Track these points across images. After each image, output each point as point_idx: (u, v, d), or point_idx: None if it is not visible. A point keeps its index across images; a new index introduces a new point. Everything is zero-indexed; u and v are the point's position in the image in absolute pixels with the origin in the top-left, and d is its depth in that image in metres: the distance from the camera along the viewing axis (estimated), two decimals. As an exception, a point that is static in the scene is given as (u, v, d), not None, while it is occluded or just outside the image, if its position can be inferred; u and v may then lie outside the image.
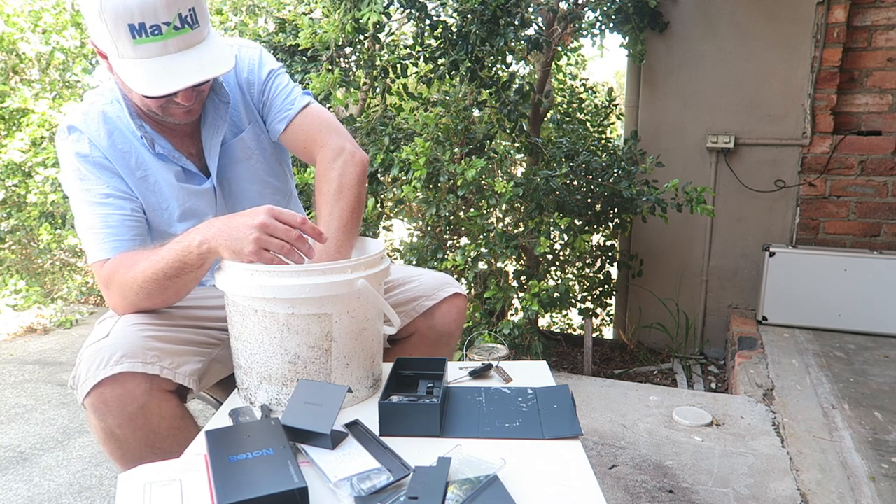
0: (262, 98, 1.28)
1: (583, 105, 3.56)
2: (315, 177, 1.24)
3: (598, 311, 3.18)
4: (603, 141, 3.46)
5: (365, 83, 2.75)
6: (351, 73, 2.72)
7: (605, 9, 2.91)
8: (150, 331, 1.04)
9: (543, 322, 3.96)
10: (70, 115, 1.17)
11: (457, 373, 1.18)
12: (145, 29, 0.97)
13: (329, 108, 2.82)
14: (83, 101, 1.19)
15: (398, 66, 2.63)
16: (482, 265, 2.44)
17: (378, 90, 2.69)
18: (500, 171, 2.70)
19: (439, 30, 2.54)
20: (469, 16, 2.44)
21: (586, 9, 2.88)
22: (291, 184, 1.43)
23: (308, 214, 2.25)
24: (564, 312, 3.81)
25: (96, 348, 0.99)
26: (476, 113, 2.80)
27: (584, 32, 3.04)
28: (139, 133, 1.16)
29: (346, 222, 1.17)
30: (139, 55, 0.99)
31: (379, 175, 2.61)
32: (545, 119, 3.07)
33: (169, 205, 1.21)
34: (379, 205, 2.84)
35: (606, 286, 3.13)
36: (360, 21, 2.44)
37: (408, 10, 2.54)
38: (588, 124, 3.49)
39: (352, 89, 2.61)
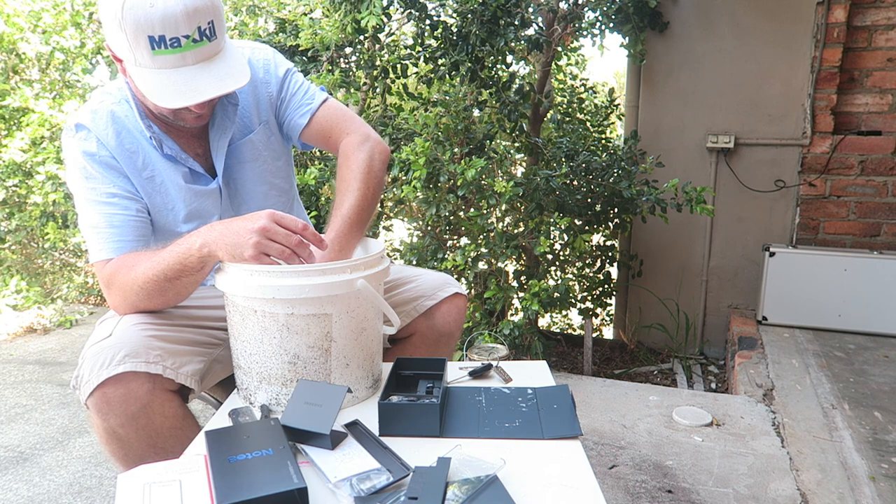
0: (280, 96, 1.28)
1: (583, 105, 3.56)
2: (339, 158, 1.26)
3: (598, 311, 3.18)
4: (603, 141, 3.46)
5: (365, 83, 2.75)
6: (351, 73, 2.72)
7: (605, 9, 2.91)
8: (153, 330, 1.04)
9: (543, 322, 3.96)
10: (78, 113, 1.16)
11: (457, 373, 1.18)
12: (165, 41, 0.98)
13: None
14: (91, 100, 1.18)
15: (398, 66, 2.63)
16: (482, 265, 2.44)
17: (378, 90, 2.69)
18: (500, 171, 2.70)
19: (439, 30, 2.54)
20: (469, 16, 2.44)
21: (586, 9, 2.88)
22: (295, 186, 1.44)
23: (310, 214, 2.25)
24: (564, 312, 3.81)
25: (99, 348, 0.99)
26: (476, 113, 2.80)
27: (584, 32, 3.04)
28: (148, 133, 1.16)
29: (370, 200, 1.20)
30: (157, 65, 1.00)
31: (379, 175, 2.60)
32: (545, 119, 3.07)
33: (175, 205, 1.21)
34: (379, 205, 2.83)
35: (606, 286, 3.13)
36: (360, 22, 2.44)
37: (408, 11, 2.54)
38: (588, 124, 3.49)
39: (352, 89, 2.61)
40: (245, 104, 1.25)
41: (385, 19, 2.47)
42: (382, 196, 2.82)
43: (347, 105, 2.63)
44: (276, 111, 1.30)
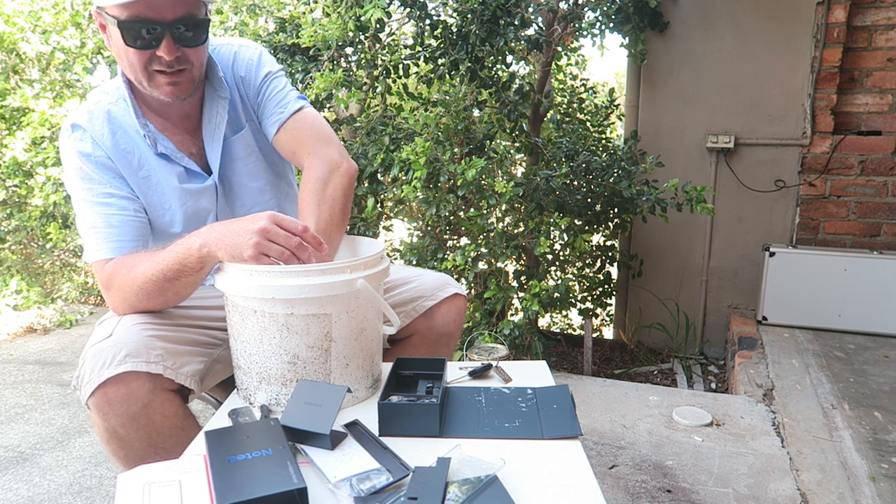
0: (257, 99, 1.28)
1: (583, 105, 3.56)
2: (300, 184, 1.22)
3: (598, 311, 3.18)
4: (603, 141, 3.46)
5: (365, 83, 2.75)
6: (352, 72, 2.72)
7: (605, 9, 2.91)
8: (153, 330, 1.04)
9: (543, 322, 3.96)
10: (75, 113, 1.16)
11: (456, 373, 1.18)
12: None
13: (331, 107, 2.82)
14: (88, 100, 1.18)
15: (399, 66, 2.63)
16: (482, 265, 2.44)
17: (378, 90, 2.69)
18: (500, 171, 2.70)
19: (439, 30, 2.54)
20: (469, 16, 2.44)
21: (586, 9, 2.88)
22: (293, 182, 1.43)
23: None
24: (564, 312, 3.81)
25: (100, 348, 0.99)
26: (476, 113, 2.80)
27: (584, 32, 3.04)
28: (143, 132, 1.16)
29: (323, 232, 1.13)
30: None
31: (379, 175, 2.61)
32: (545, 119, 3.07)
33: (171, 205, 1.21)
34: (379, 205, 2.83)
35: (606, 286, 3.13)
36: (362, 18, 2.44)
37: (408, 10, 2.54)
38: (588, 124, 3.49)
39: (353, 89, 2.61)
40: (233, 101, 1.25)
41: (387, 16, 2.47)
42: (382, 196, 2.82)
43: (348, 105, 2.63)
44: (256, 113, 1.29)
